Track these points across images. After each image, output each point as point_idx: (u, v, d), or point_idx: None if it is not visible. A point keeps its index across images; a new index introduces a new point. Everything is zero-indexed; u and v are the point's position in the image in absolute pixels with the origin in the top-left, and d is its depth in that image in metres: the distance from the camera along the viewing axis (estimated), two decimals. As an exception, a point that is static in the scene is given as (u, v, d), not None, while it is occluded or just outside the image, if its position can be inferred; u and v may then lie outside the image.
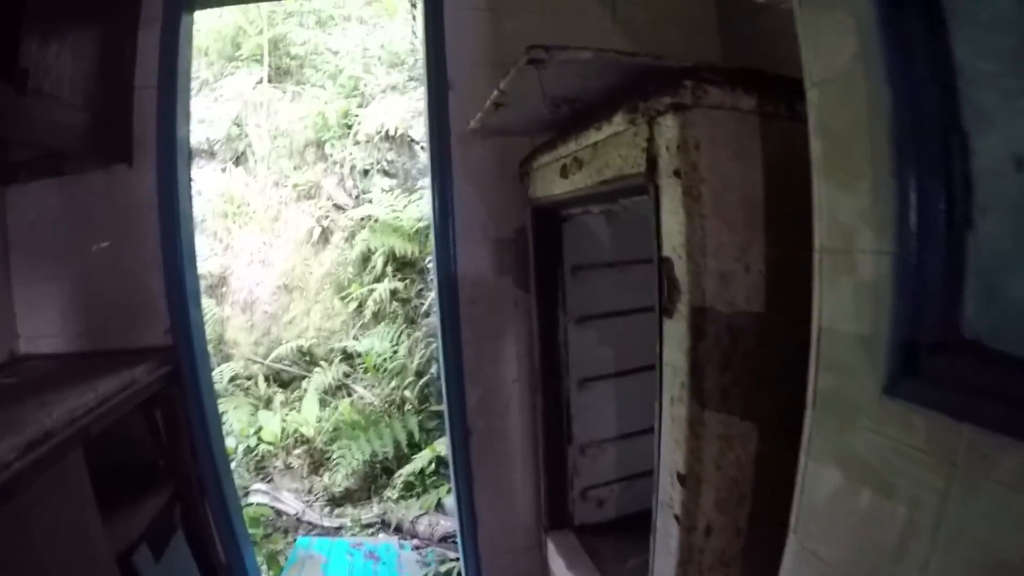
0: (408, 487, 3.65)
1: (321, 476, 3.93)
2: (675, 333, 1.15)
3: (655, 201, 1.17)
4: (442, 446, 3.57)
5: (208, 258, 4.51)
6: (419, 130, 4.38)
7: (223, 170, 4.83)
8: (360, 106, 4.71)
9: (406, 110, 4.47)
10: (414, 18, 4.00)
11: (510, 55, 1.99)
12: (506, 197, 2.16)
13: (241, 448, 3.93)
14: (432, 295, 3.67)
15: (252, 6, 4.81)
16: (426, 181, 4.40)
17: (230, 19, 4.97)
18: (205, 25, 4.93)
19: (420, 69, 4.75)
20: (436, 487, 3.57)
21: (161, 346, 2.03)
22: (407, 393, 3.95)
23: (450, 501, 3.45)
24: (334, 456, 3.83)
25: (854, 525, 0.85)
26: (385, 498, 3.68)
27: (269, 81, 4.91)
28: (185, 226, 2.04)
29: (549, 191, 1.79)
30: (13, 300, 1.98)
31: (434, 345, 4.02)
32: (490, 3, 2.06)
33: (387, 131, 4.46)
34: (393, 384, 4.02)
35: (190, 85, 2.10)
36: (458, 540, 2.32)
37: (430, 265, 3.71)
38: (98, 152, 1.91)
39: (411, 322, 4.22)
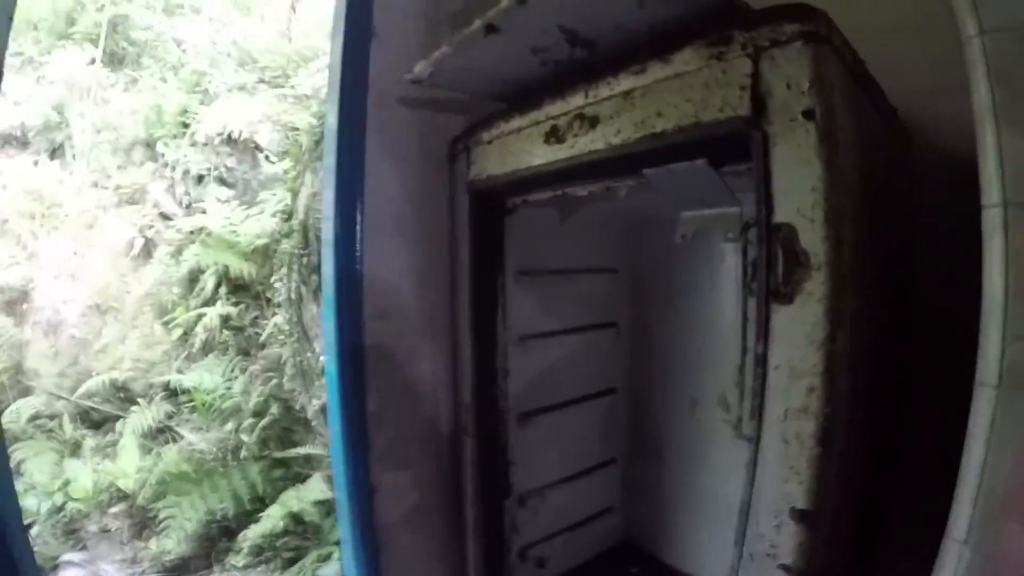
0: (257, 552, 2.90)
1: (148, 541, 3.15)
2: (800, 323, 0.90)
3: (762, 152, 0.94)
4: (294, 500, 2.84)
5: (7, 267, 3.75)
6: (265, 136, 3.84)
7: (35, 163, 4.04)
8: (202, 104, 4.04)
9: (253, 113, 3.88)
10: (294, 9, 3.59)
11: (444, 10, 1.69)
12: (429, 182, 1.75)
13: (45, 508, 3.14)
14: (275, 319, 3.03)
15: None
16: (271, 194, 3.76)
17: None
18: (39, -4, 4.06)
19: (273, 68, 4.21)
20: (293, 551, 2.84)
21: None
22: (244, 437, 3.14)
23: (328, 573, 2.71)
24: (162, 516, 3.01)
25: None
26: (230, 566, 2.90)
27: (103, 64, 4.19)
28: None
29: (519, 164, 1.45)
30: None
31: (274, 381, 3.26)
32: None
33: (230, 134, 3.82)
34: (228, 427, 3.20)
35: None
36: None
37: (277, 285, 3.01)
38: None
39: (245, 354, 3.46)
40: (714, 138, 1.02)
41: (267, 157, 3.79)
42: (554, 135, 1.32)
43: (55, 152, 4.18)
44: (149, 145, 4.06)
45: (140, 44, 4.35)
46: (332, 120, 1.62)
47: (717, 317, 1.83)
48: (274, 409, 3.21)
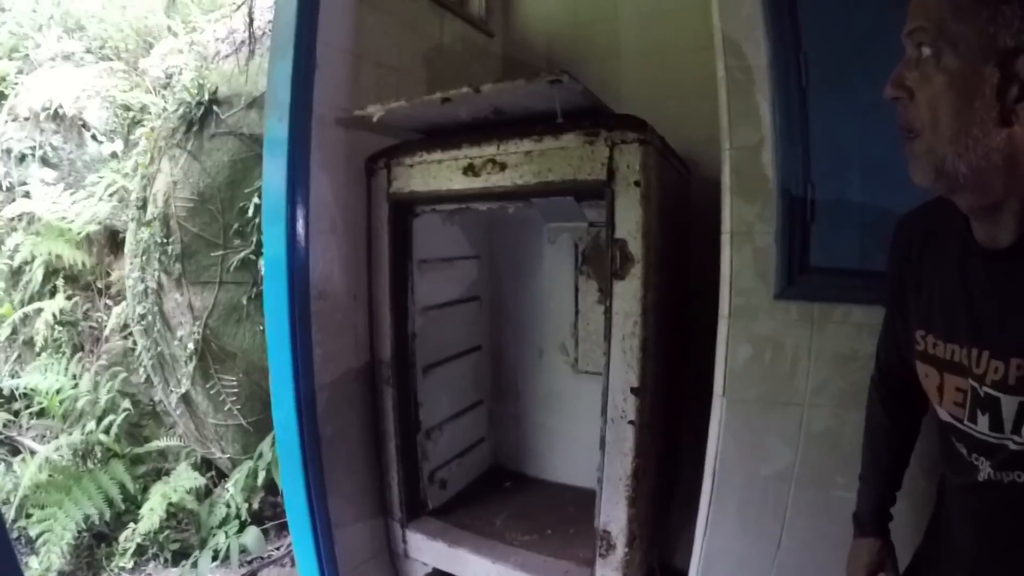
0: (142, 551, 3.00)
1: (26, 562, 2.89)
2: (628, 289, 1.79)
3: (611, 200, 1.82)
4: (171, 492, 3.02)
5: None
6: (93, 113, 3.59)
7: None
8: (22, 72, 3.66)
9: (81, 87, 3.61)
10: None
11: (368, 49, 2.28)
12: (351, 189, 2.32)
13: None
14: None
15: None
16: (103, 176, 3.58)
17: None
18: None
19: (104, 39, 3.72)
20: (178, 543, 3.00)
21: None
22: (102, 437, 3.11)
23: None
24: (36, 532, 2.88)
25: (763, 371, 1.65)
26: (117, 570, 2.92)
27: None
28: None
29: (441, 186, 2.15)
30: None
31: (122, 376, 3.29)
32: (360, -8, 2.23)
33: (56, 109, 3.50)
34: (84, 428, 3.11)
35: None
36: (308, 563, 2.23)
37: (133, 275, 3.05)
38: None
39: (81, 349, 3.32)
40: (582, 187, 1.88)
41: (94, 136, 3.64)
42: (471, 170, 2.06)
43: None
44: (-44, 118, 3.54)
45: (-56, -2, 3.74)
46: (282, 136, 2.10)
47: (554, 289, 2.77)
48: (125, 405, 3.29)
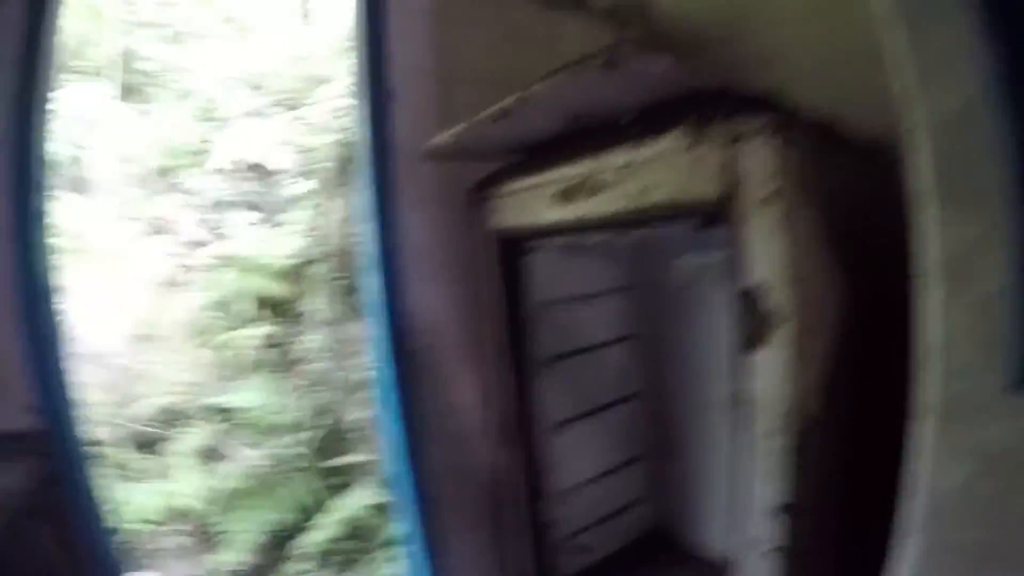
0: (321, 556, 3.28)
1: (213, 555, 3.43)
2: (772, 364, 1.16)
3: (737, 228, 1.20)
4: (351, 506, 3.23)
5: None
6: (283, 159, 4.12)
7: (57, 199, 4.39)
8: (217, 130, 4.30)
9: (269, 137, 4.14)
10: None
11: (458, 68, 1.94)
12: (454, 227, 2.02)
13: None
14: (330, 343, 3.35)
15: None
16: (295, 215, 4.06)
17: (72, 26, 4.28)
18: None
19: (285, 92, 4.43)
20: (354, 553, 3.21)
21: (20, 431, 1.52)
22: (302, 450, 3.51)
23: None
24: (227, 529, 3.35)
25: (986, 503, 0.94)
26: (296, 572, 3.26)
27: (116, 98, 4.40)
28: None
29: (533, 220, 1.72)
30: None
31: (319, 395, 3.65)
32: (437, 5, 1.93)
33: (248, 160, 4.07)
34: (285, 440, 3.56)
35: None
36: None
37: (317, 305, 3.33)
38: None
39: (286, 370, 3.82)
40: (696, 210, 1.27)
41: (286, 179, 4.09)
42: (564, 196, 1.58)
43: (77, 187, 4.41)
44: (170, 175, 4.36)
45: (149, 75, 4.62)
46: (366, 183, 1.89)
47: (724, 326, 2.08)
48: (322, 421, 3.59)
